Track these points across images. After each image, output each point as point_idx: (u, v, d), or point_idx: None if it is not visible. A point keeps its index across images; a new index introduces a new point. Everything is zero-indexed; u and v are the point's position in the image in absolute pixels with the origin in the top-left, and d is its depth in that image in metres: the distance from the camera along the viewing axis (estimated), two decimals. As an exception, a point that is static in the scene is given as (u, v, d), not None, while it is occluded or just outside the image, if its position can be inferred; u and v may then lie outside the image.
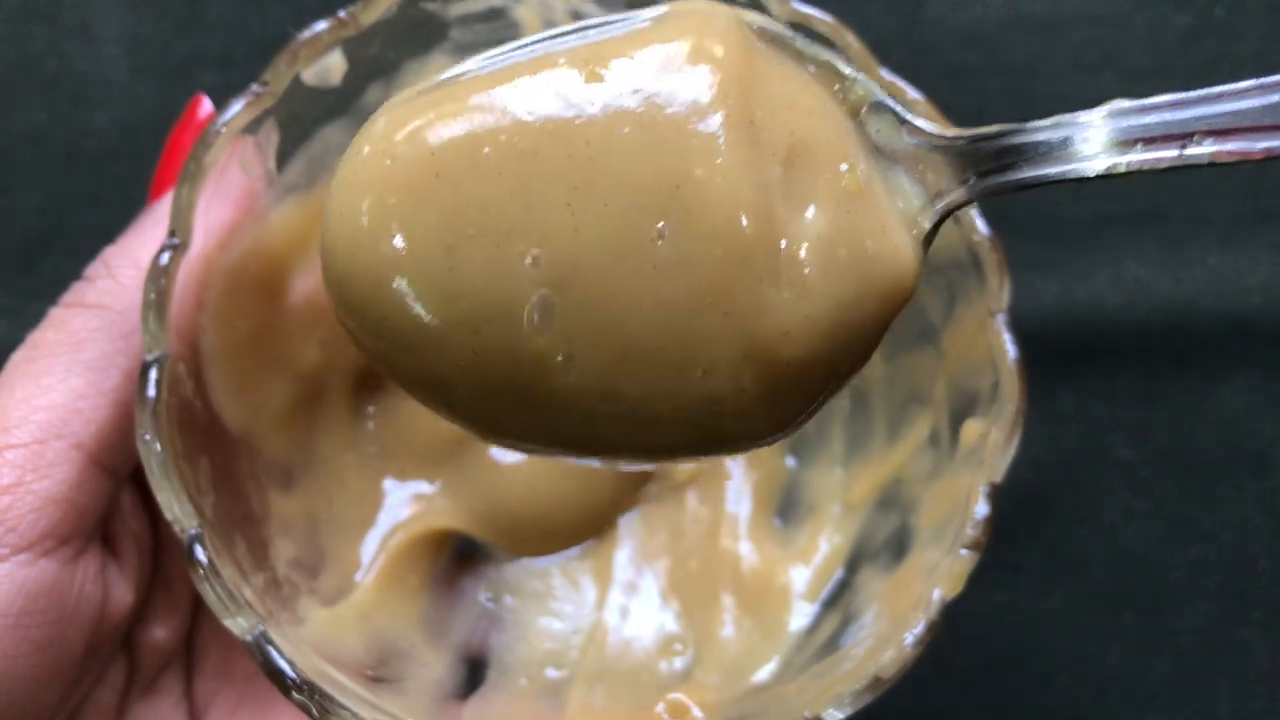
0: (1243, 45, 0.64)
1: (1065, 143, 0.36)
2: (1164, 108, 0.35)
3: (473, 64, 0.38)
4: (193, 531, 0.42)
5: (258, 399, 0.48)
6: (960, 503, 0.45)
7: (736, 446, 0.39)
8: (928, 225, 0.38)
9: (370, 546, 0.51)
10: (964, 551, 0.44)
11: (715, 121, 0.35)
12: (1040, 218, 0.64)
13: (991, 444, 0.45)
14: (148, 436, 0.42)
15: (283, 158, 0.47)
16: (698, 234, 0.34)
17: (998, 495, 0.45)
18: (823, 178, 0.36)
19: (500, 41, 0.39)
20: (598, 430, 0.37)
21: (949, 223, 0.47)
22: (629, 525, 0.54)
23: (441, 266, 0.35)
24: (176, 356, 0.43)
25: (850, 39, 0.46)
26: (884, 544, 0.50)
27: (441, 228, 0.35)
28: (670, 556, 0.54)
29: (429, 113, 0.36)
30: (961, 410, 0.48)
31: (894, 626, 0.45)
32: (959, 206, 0.38)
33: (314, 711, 0.42)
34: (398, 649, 0.49)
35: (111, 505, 0.45)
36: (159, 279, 0.43)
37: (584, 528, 0.53)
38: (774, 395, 0.36)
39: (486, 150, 0.35)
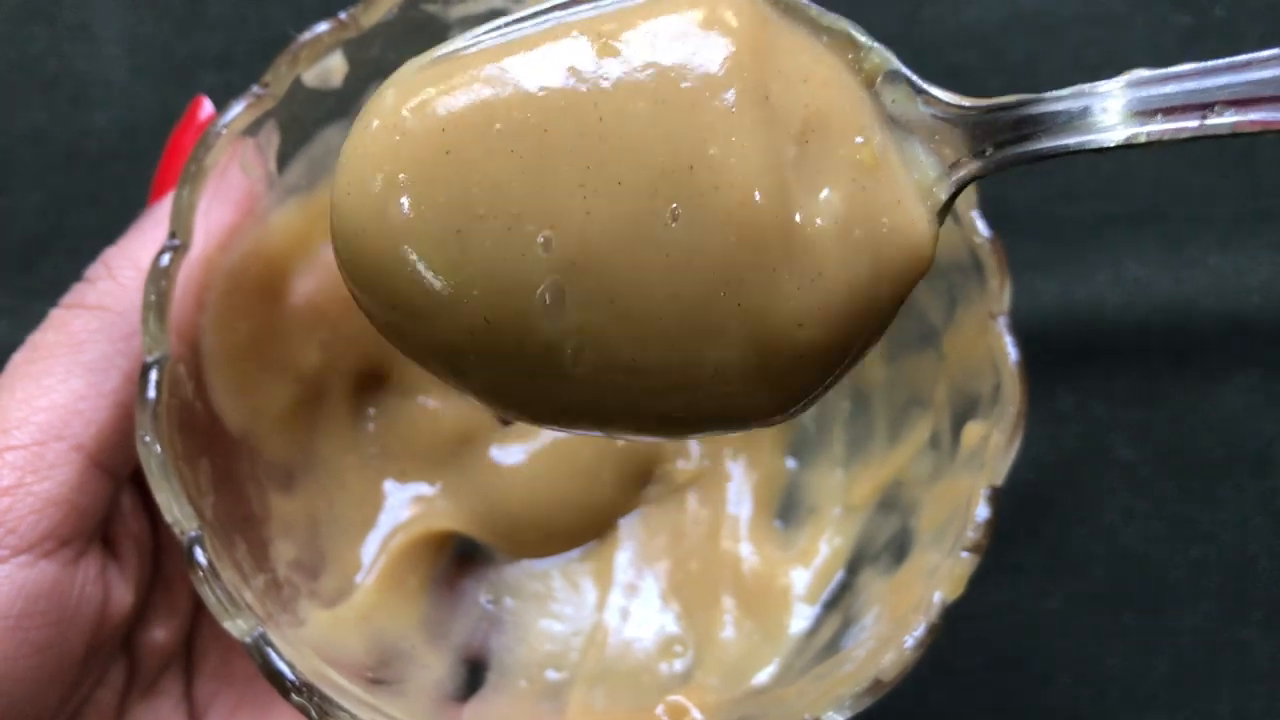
0: (1243, 45, 0.64)
1: (1084, 113, 0.36)
2: (1185, 77, 0.35)
3: (481, 32, 0.37)
4: (192, 533, 0.42)
5: (258, 400, 0.48)
6: (961, 505, 0.45)
7: (745, 424, 0.38)
8: (944, 196, 0.37)
9: (371, 548, 0.51)
10: (965, 554, 0.44)
11: (729, 97, 0.34)
12: (1040, 218, 0.64)
13: (992, 446, 0.45)
14: (148, 438, 0.42)
15: (283, 159, 0.47)
16: (711, 218, 0.34)
17: (999, 498, 0.45)
18: (838, 152, 0.35)
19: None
20: (607, 408, 0.37)
21: (950, 225, 0.47)
22: (629, 527, 0.54)
23: (452, 248, 0.34)
24: (177, 358, 0.43)
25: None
26: (885, 546, 0.50)
27: (451, 208, 0.34)
28: (671, 558, 0.54)
29: (439, 86, 0.35)
30: (962, 413, 0.48)
31: (894, 629, 0.45)
32: (976, 177, 0.37)
33: (313, 713, 0.42)
34: (398, 651, 0.49)
35: (112, 507, 0.45)
36: (159, 280, 0.43)
37: (584, 529, 0.53)
38: (785, 380, 0.36)
39: (498, 127, 0.34)
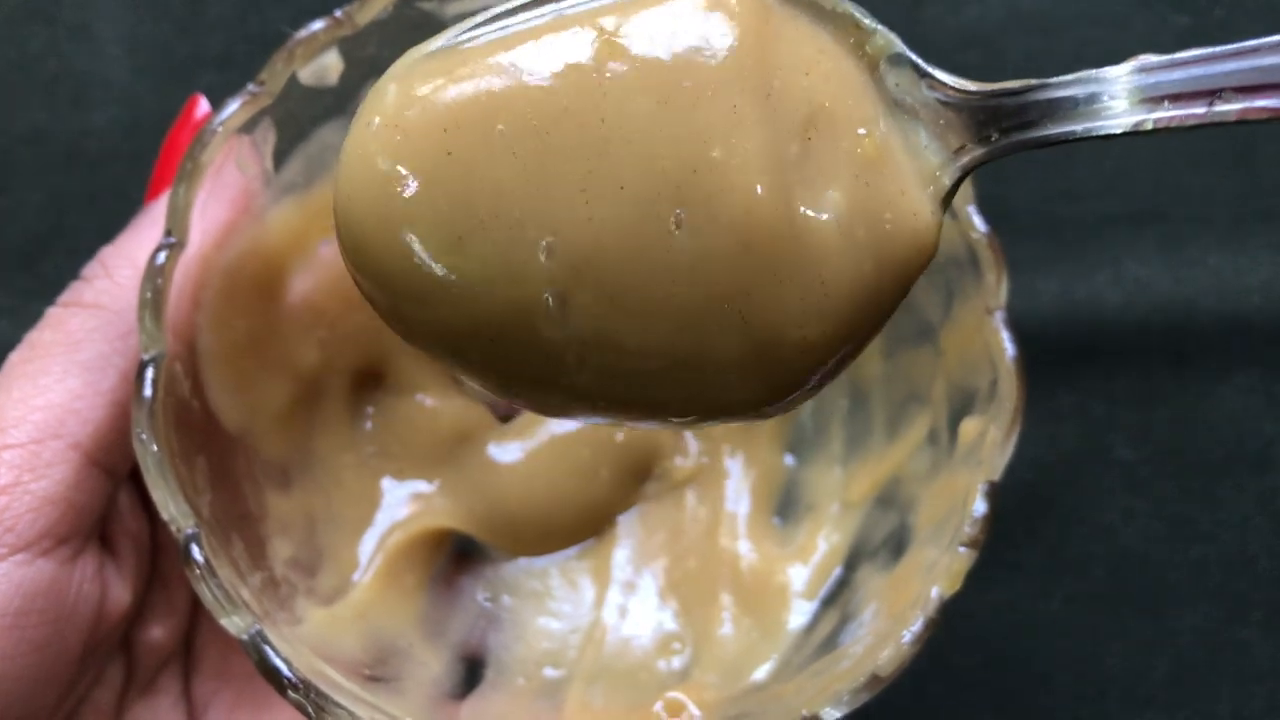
0: (1242, 45, 0.64)
1: (1091, 99, 0.35)
2: (1192, 63, 0.35)
3: (481, 20, 0.36)
4: (189, 531, 0.42)
5: (255, 398, 0.48)
6: (959, 501, 0.45)
7: (742, 417, 0.38)
8: (948, 182, 0.37)
9: (368, 546, 0.51)
10: (962, 550, 0.44)
11: (732, 95, 0.34)
12: (1040, 217, 0.64)
13: (990, 442, 0.45)
14: (144, 436, 0.42)
15: (280, 157, 0.47)
16: (715, 225, 0.34)
17: (996, 493, 0.44)
18: (840, 147, 0.35)
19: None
20: (608, 402, 0.37)
21: (947, 221, 0.46)
22: (627, 524, 0.54)
23: (454, 253, 0.34)
24: (173, 356, 0.43)
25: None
26: (882, 542, 0.50)
27: (453, 211, 0.34)
28: (669, 555, 0.54)
29: (441, 83, 0.34)
30: (960, 408, 0.48)
31: (892, 625, 0.45)
32: (981, 163, 0.37)
33: (310, 711, 0.42)
34: (395, 648, 0.49)
35: (109, 505, 0.45)
36: (155, 279, 0.43)
37: (582, 527, 0.53)
38: (785, 378, 0.36)
39: (500, 128, 0.34)
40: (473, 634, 0.52)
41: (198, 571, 0.42)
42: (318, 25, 0.45)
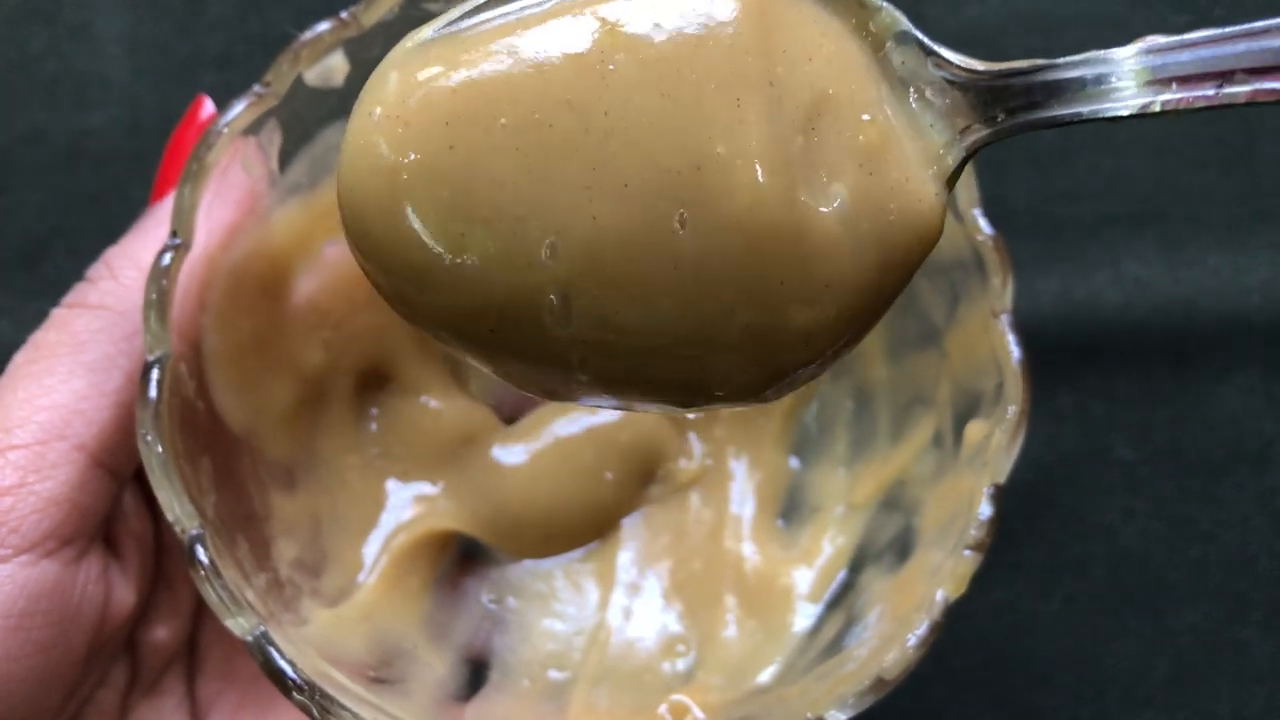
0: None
1: (1098, 80, 0.35)
2: (1201, 44, 0.34)
3: (482, 3, 0.35)
4: (194, 532, 0.42)
5: (260, 399, 0.48)
6: (964, 504, 0.45)
7: (741, 404, 0.38)
8: (952, 163, 0.37)
9: (373, 547, 0.51)
10: (967, 552, 0.44)
11: (735, 87, 0.34)
12: (1040, 218, 0.64)
13: (995, 445, 0.45)
14: (149, 437, 0.42)
15: (285, 158, 0.47)
16: (719, 225, 0.33)
17: (1002, 496, 0.44)
18: (844, 136, 0.35)
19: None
20: (610, 393, 0.37)
21: (952, 223, 0.47)
22: (632, 527, 0.54)
23: (457, 251, 0.34)
24: (178, 357, 0.43)
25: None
26: (887, 545, 0.50)
27: (455, 207, 0.33)
28: (673, 558, 0.53)
29: (443, 72, 0.34)
30: (965, 411, 0.48)
31: (897, 627, 0.45)
32: (986, 143, 0.37)
33: (315, 712, 0.41)
34: (400, 650, 0.49)
35: (114, 506, 0.45)
36: (161, 279, 0.43)
37: (587, 529, 0.53)
38: (785, 369, 0.36)
39: (502, 122, 0.33)
40: (477, 636, 0.52)
41: (202, 572, 0.41)
42: (323, 27, 0.45)
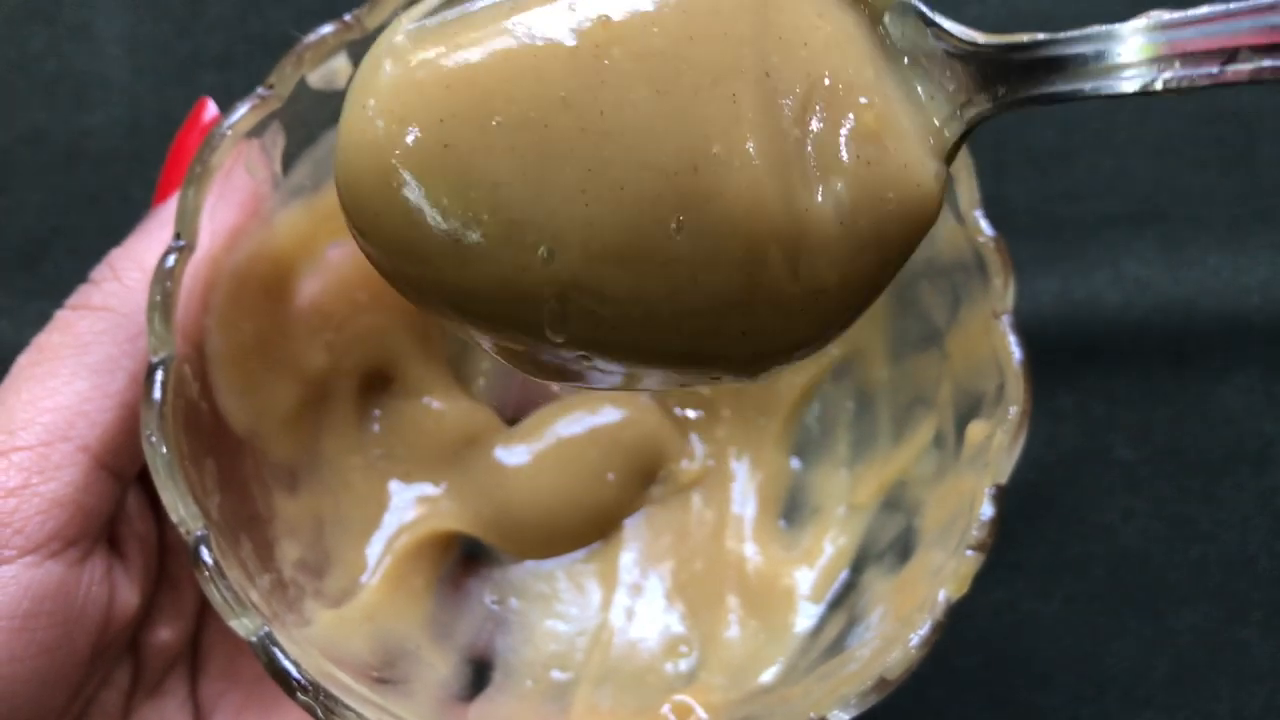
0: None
1: (1101, 56, 0.34)
2: (1207, 20, 0.33)
3: None
4: (198, 533, 0.42)
5: (263, 401, 0.48)
6: (965, 504, 0.45)
7: (735, 382, 0.38)
8: (951, 137, 0.36)
9: (376, 548, 0.51)
10: (969, 552, 0.44)
11: (731, 82, 0.33)
12: (1040, 218, 0.64)
13: (996, 445, 0.45)
14: (153, 438, 0.42)
15: (288, 161, 0.47)
16: (717, 229, 0.33)
17: (1003, 497, 0.45)
18: (841, 125, 0.34)
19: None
20: (607, 373, 0.37)
21: (953, 224, 0.47)
22: (634, 527, 0.54)
23: (453, 253, 0.33)
24: (182, 358, 0.43)
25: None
26: (889, 545, 0.50)
27: (451, 208, 0.33)
28: (675, 558, 0.53)
29: (435, 66, 0.33)
30: (966, 412, 0.48)
31: (899, 628, 0.45)
32: (986, 118, 0.36)
33: (319, 713, 0.42)
34: (403, 651, 0.49)
35: (117, 507, 0.45)
36: (164, 281, 0.43)
37: (588, 530, 0.53)
38: (780, 363, 0.37)
39: (497, 120, 0.32)
40: (480, 636, 0.52)
41: (207, 573, 0.42)
42: (327, 29, 0.45)
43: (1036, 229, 0.63)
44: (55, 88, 0.65)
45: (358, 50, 0.45)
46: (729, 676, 0.50)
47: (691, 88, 0.33)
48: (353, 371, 0.51)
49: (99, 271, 0.46)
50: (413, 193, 0.33)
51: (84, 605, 0.43)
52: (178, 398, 0.43)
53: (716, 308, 0.34)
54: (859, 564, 0.51)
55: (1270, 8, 0.33)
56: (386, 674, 0.48)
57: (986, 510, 0.44)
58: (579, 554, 0.53)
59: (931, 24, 0.36)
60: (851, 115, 0.35)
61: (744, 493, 0.54)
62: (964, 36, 0.36)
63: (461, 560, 0.53)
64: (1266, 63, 0.33)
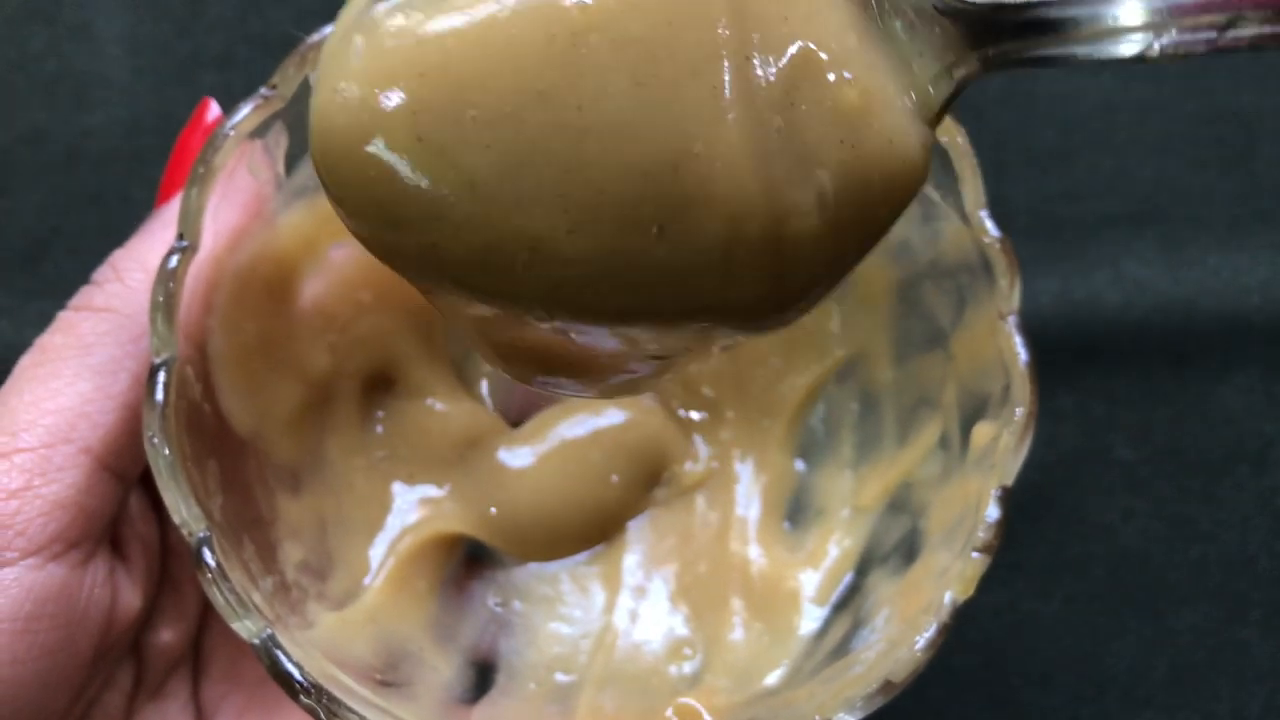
0: (1242, 46, 0.65)
1: (1096, 19, 0.33)
2: None
3: None
4: (201, 534, 0.42)
5: (266, 402, 0.48)
6: (971, 506, 0.45)
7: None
8: (939, 98, 0.35)
9: (379, 550, 0.51)
10: (975, 554, 0.44)
11: (712, 72, 0.32)
12: (1040, 218, 0.64)
13: (1002, 447, 0.45)
14: (156, 439, 0.42)
15: (291, 161, 0.46)
16: (698, 232, 0.32)
17: (1009, 498, 0.44)
18: (824, 105, 0.33)
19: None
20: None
21: (959, 226, 0.47)
22: (638, 530, 0.54)
23: (430, 252, 0.33)
24: (185, 359, 0.43)
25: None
26: (894, 547, 0.50)
27: (426, 205, 0.32)
28: (679, 560, 0.53)
29: (405, 52, 0.32)
30: (972, 413, 0.48)
31: (905, 630, 0.45)
32: (974, 79, 0.35)
33: (322, 715, 0.41)
34: (406, 653, 0.49)
35: (120, 509, 0.45)
36: (167, 282, 0.42)
37: (592, 532, 0.53)
38: (762, 323, 0.36)
39: (472, 114, 0.31)
40: (484, 639, 0.52)
41: (209, 575, 0.41)
42: (329, 29, 0.45)
43: (1036, 229, 0.64)
44: (55, 88, 0.64)
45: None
46: (733, 679, 0.50)
47: (671, 81, 0.32)
48: (356, 373, 0.51)
49: (101, 273, 0.45)
50: (386, 186, 0.32)
51: (86, 607, 0.43)
52: (180, 399, 0.43)
53: (698, 329, 0.35)
54: (864, 566, 0.51)
55: None
56: (389, 676, 0.48)
57: (992, 512, 0.44)
58: (582, 556, 0.53)
59: None
60: (835, 92, 0.33)
61: (748, 495, 0.54)
62: None
63: (465, 562, 0.53)
64: (1267, 29, 0.32)
